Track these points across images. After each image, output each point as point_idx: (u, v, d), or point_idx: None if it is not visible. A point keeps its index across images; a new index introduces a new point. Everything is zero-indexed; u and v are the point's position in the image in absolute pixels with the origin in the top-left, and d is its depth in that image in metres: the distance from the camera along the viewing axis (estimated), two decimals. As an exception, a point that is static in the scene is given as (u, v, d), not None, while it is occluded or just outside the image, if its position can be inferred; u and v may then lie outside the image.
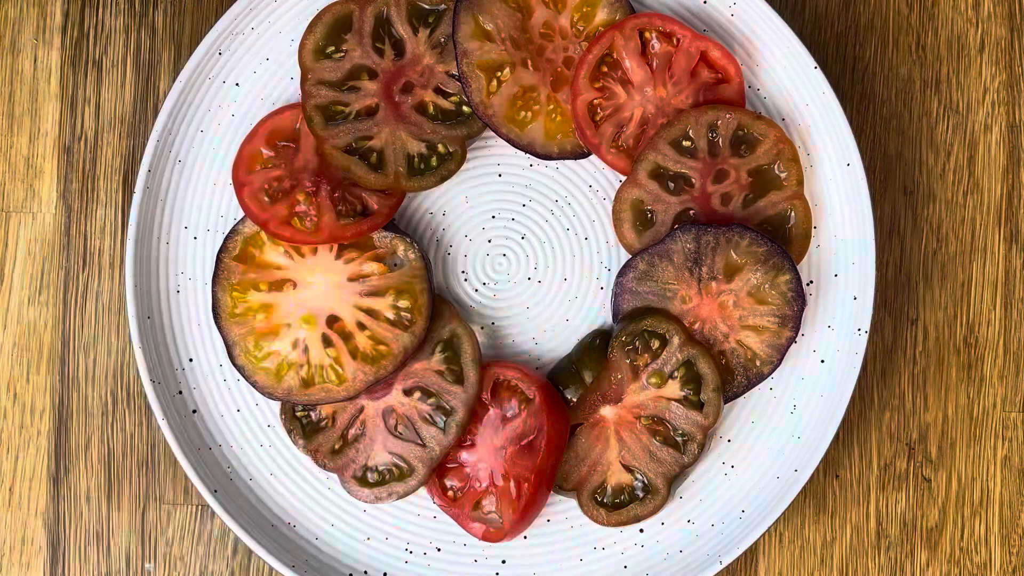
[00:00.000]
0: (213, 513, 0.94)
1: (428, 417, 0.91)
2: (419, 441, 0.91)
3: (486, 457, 0.91)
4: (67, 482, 0.95)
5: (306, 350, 0.90)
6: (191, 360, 0.93)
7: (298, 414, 0.92)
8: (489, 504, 0.91)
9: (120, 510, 0.95)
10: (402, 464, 0.91)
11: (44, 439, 0.95)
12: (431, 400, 0.91)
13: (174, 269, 0.92)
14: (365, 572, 0.92)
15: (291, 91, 0.93)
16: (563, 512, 0.93)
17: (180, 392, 0.92)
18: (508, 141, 0.91)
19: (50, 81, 0.96)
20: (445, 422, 0.90)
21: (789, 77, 0.92)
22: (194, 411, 0.92)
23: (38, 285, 0.95)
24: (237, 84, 0.92)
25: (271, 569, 0.95)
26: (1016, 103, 0.97)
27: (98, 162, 0.96)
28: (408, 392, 0.91)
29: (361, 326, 0.90)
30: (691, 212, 0.91)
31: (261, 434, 0.93)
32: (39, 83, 0.96)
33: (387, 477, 0.91)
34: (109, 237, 0.96)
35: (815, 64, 0.90)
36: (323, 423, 0.91)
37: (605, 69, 0.91)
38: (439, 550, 0.93)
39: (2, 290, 0.95)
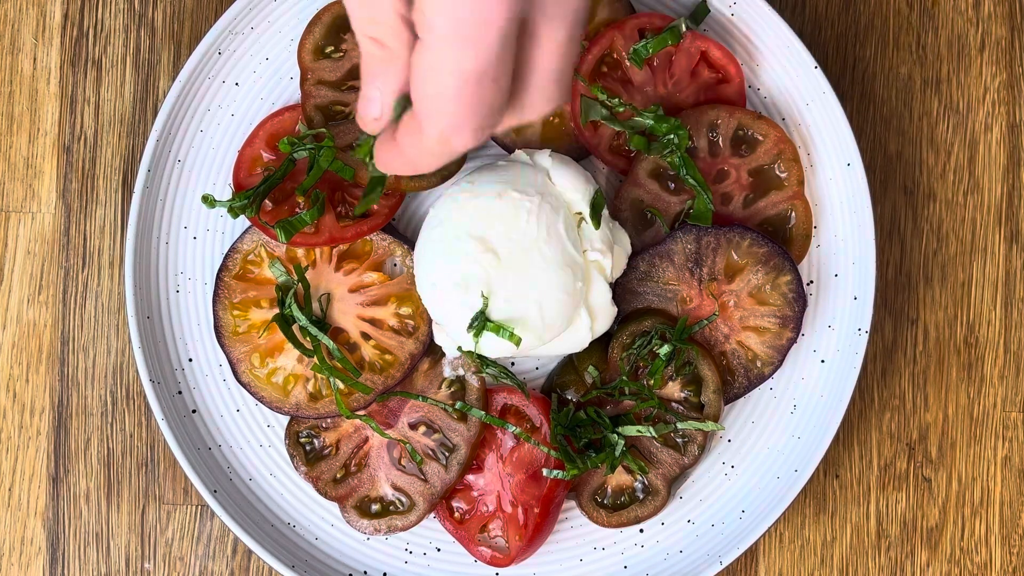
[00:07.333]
0: (213, 513, 0.94)
1: (431, 452, 0.90)
2: (421, 476, 0.90)
3: (494, 481, 0.90)
4: (66, 482, 0.95)
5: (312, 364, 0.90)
6: (191, 360, 0.92)
7: (302, 440, 0.91)
8: (496, 528, 0.90)
9: (120, 510, 0.95)
10: (403, 498, 0.90)
11: (44, 439, 0.95)
12: (435, 436, 0.90)
13: (174, 269, 0.92)
14: (365, 572, 0.92)
15: (291, 91, 0.92)
16: (563, 512, 0.93)
17: (180, 392, 0.92)
18: (503, 147, 0.91)
19: (49, 81, 0.96)
20: (447, 458, 0.90)
21: (789, 77, 0.92)
22: (194, 411, 0.92)
23: (37, 285, 0.95)
24: (237, 84, 0.92)
25: (271, 569, 0.95)
26: (1016, 103, 0.97)
27: (97, 162, 0.96)
28: (414, 426, 0.91)
29: (366, 336, 0.90)
30: (691, 212, 0.91)
31: (261, 434, 0.93)
32: (39, 83, 0.96)
33: (389, 509, 0.91)
34: (109, 237, 0.95)
35: (815, 64, 0.90)
36: (327, 451, 0.91)
37: (605, 69, 0.91)
38: (439, 550, 0.93)
39: (1, 290, 0.95)
